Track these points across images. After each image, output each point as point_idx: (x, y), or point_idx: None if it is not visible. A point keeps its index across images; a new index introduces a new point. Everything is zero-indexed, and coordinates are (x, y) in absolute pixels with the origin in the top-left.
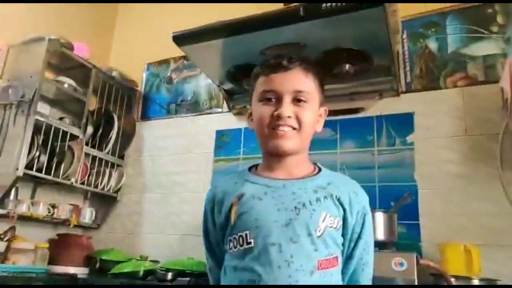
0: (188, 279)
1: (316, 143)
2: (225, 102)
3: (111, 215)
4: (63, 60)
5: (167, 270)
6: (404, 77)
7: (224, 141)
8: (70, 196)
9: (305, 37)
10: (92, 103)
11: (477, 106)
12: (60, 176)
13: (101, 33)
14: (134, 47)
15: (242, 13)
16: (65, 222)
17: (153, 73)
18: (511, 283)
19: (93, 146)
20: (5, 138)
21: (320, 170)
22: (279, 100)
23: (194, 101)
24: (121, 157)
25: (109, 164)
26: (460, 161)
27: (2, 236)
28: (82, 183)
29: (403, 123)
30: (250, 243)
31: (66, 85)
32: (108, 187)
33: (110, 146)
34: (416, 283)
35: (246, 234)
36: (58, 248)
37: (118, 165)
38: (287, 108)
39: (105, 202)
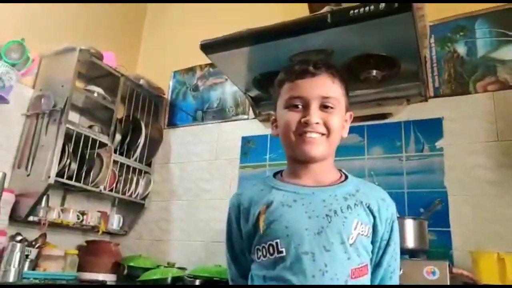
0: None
1: (344, 149)
2: (251, 108)
3: (138, 222)
4: (92, 69)
5: (195, 277)
6: (432, 82)
7: (250, 148)
8: (99, 203)
9: (333, 43)
10: (120, 111)
11: (509, 111)
12: (90, 184)
13: (129, 42)
14: (161, 55)
15: (269, 20)
16: (93, 229)
17: (180, 81)
18: None
19: (121, 154)
20: (38, 146)
21: (346, 177)
22: (306, 106)
23: (220, 108)
24: (149, 164)
25: (137, 171)
26: (492, 167)
27: (34, 243)
28: (110, 190)
29: (431, 129)
30: (281, 252)
31: (95, 94)
32: (136, 194)
33: (137, 153)
34: None
35: (276, 243)
36: (87, 255)
37: (145, 172)
38: (315, 115)
39: (133, 209)
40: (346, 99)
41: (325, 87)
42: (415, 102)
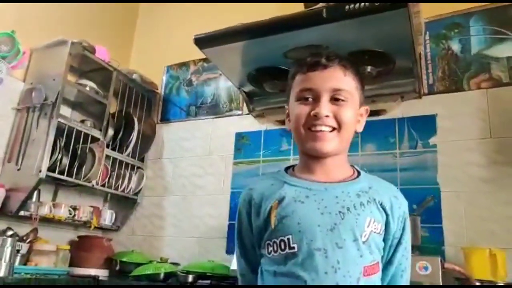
0: (209, 281)
1: None
2: (245, 104)
3: (131, 217)
4: (84, 63)
5: (188, 272)
6: (427, 79)
7: (244, 144)
8: (91, 198)
9: (328, 39)
10: (113, 106)
11: (502, 108)
12: (82, 179)
13: (122, 36)
14: (154, 50)
15: (264, 15)
16: (85, 224)
17: (173, 76)
18: None
19: (113, 149)
20: (28, 140)
21: (359, 173)
22: (316, 99)
23: (214, 103)
24: (141, 159)
25: (129, 166)
26: (485, 164)
27: (25, 238)
28: (103, 185)
29: (425, 125)
30: (293, 247)
31: (87, 88)
32: (128, 189)
33: (130, 148)
34: None
35: (288, 239)
36: (79, 250)
37: (138, 168)
38: (325, 107)
39: (125, 204)
40: (360, 93)
41: (337, 79)
42: (409, 99)
